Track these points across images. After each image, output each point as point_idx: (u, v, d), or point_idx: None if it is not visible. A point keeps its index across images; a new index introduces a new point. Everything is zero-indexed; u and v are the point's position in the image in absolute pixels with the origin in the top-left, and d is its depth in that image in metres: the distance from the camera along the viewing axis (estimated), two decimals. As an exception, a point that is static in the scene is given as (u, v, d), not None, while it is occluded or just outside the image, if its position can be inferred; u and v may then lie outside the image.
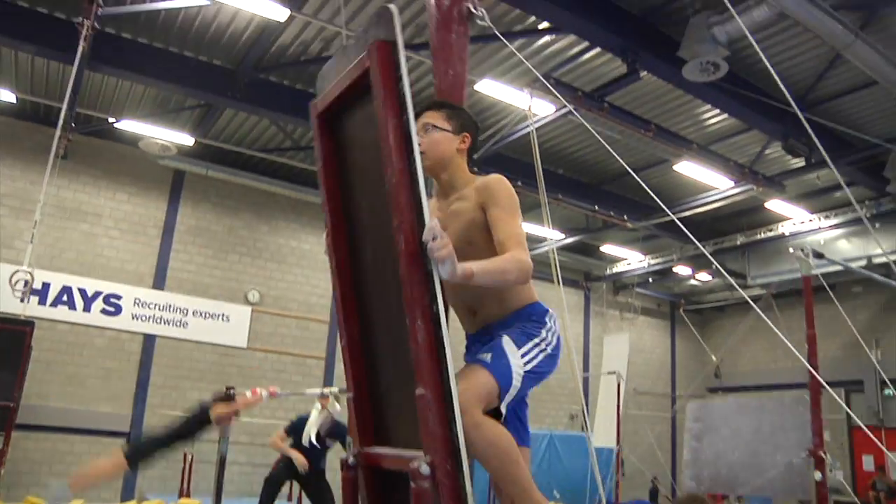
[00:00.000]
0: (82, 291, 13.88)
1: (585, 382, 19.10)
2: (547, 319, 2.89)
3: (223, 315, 14.81)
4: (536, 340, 2.79)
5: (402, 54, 2.43)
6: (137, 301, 14.31)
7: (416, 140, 2.40)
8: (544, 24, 9.93)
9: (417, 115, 2.78)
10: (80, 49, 8.54)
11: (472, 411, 2.44)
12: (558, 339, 2.90)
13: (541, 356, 2.79)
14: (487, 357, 2.66)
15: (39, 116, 14.07)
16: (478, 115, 12.10)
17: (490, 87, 11.05)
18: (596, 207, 14.92)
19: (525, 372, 2.70)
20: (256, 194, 15.80)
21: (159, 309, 14.41)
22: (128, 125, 13.21)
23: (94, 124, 13.61)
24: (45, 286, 13.21)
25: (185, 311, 14.56)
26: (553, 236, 15.58)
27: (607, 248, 19.21)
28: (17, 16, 10.50)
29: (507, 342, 2.72)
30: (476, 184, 2.85)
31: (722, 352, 20.37)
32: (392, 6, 2.49)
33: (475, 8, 2.96)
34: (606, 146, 5.62)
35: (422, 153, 2.59)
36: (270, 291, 15.69)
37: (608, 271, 20.53)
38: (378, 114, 2.46)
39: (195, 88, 11.69)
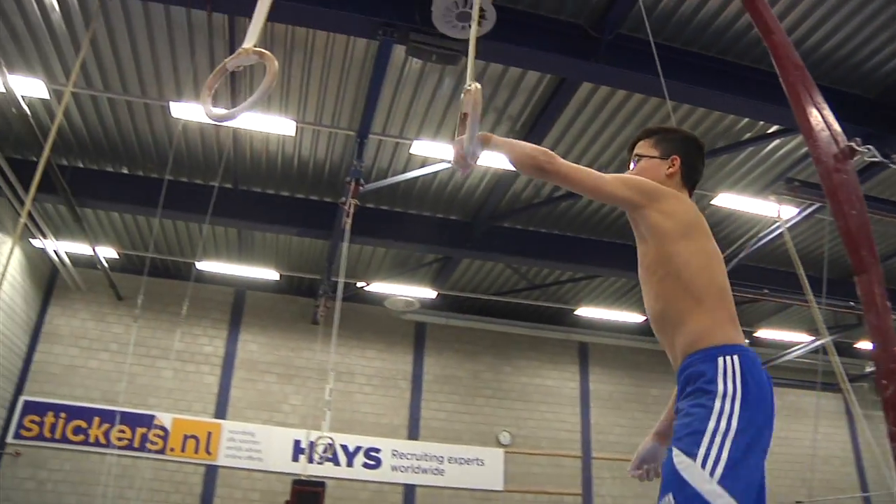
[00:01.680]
0: (344, 447, 14.73)
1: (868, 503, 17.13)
2: (719, 380, 2.15)
3: (477, 459, 15.06)
4: (711, 427, 2.06)
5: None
6: (395, 452, 14.95)
7: None
8: (774, 128, 9.78)
9: (630, 149, 2.89)
10: (346, 226, 9.48)
11: None
12: (743, 395, 2.12)
13: (728, 445, 2.03)
14: (670, 500, 2.04)
15: (296, 289, 15.60)
16: (714, 228, 11.92)
17: (728, 200, 10.91)
18: (852, 304, 13.88)
19: (721, 482, 1.97)
20: (495, 337, 16.27)
21: (416, 458, 14.94)
22: (374, 286, 14.28)
23: (346, 290, 14.80)
24: (311, 444, 14.11)
25: (441, 459, 14.97)
26: (804, 339, 14.65)
27: (864, 345, 17.63)
28: (280, 205, 11.92)
29: (678, 461, 2.05)
30: None
31: None
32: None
33: (859, 145, 2.94)
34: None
35: None
36: (520, 431, 15.77)
37: (867, 369, 18.73)
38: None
39: (434, 244, 12.54)
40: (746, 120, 9.61)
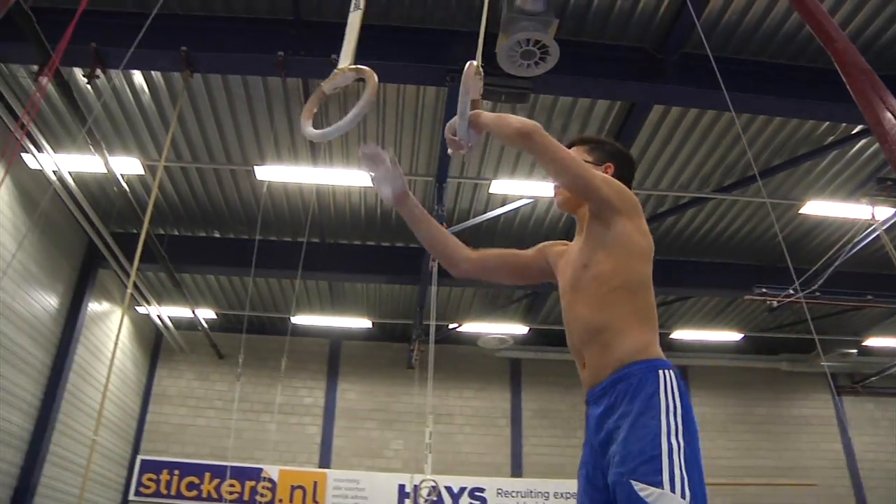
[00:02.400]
0: (449, 489, 14.75)
1: None
2: (661, 394, 2.11)
3: (583, 493, 14.81)
4: (665, 449, 2.00)
5: None
6: (500, 491, 14.86)
7: None
8: (859, 128, 9.46)
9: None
10: (433, 270, 9.66)
11: None
12: (683, 410, 2.10)
13: (683, 463, 1.99)
14: None
15: (390, 335, 15.85)
16: (805, 237, 11.61)
17: (817, 208, 10.59)
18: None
19: (692, 502, 1.94)
20: (590, 367, 16.06)
21: (521, 496, 14.81)
22: (466, 326, 14.37)
23: (439, 332, 14.96)
24: (415, 488, 14.19)
25: (546, 495, 14.80)
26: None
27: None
28: (367, 255, 12.23)
29: (646, 494, 1.96)
30: None
31: None
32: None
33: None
34: None
35: (558, 194, 2.66)
36: (624, 462, 15.45)
37: None
38: None
39: (523, 280, 12.52)
40: (827, 123, 9.33)
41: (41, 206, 9.69)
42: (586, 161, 2.59)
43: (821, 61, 8.07)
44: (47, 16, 7.29)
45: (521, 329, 14.51)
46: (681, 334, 14.93)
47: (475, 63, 2.49)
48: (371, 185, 2.05)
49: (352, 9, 2.97)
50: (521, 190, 10.21)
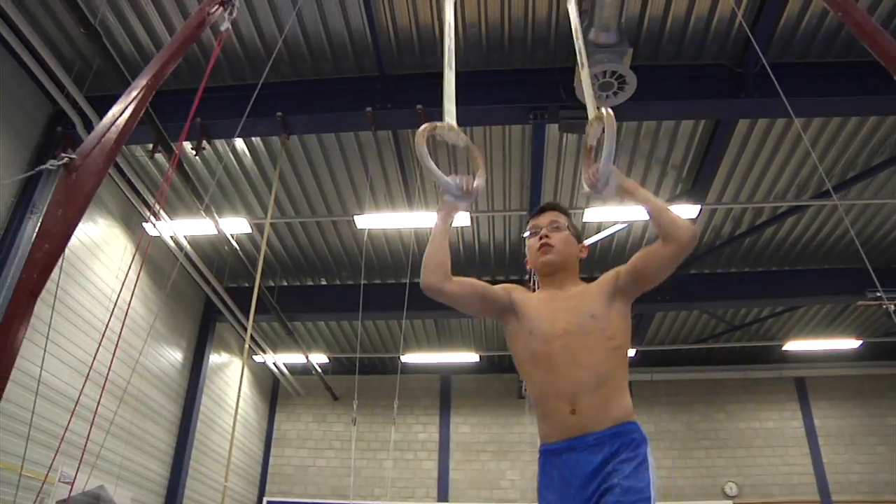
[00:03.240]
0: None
1: None
2: (649, 454, 2.43)
3: (706, 514, 14.51)
4: (652, 496, 2.33)
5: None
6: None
7: None
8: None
9: (542, 211, 2.83)
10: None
11: None
12: (652, 468, 2.42)
13: None
14: None
15: (498, 366, 16.03)
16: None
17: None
18: None
19: None
20: (704, 384, 15.77)
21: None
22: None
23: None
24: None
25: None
26: None
27: None
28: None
29: None
30: (601, 278, 2.70)
31: None
32: None
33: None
34: None
35: (551, 246, 2.67)
36: (747, 480, 15.00)
37: None
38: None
39: (625, 303, 12.52)
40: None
41: (169, 272, 10.43)
42: (572, 234, 2.77)
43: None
44: (157, 96, 7.94)
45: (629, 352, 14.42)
46: (794, 345, 14.46)
47: (611, 112, 2.64)
48: (456, 202, 2.23)
49: (446, 71, 3.22)
50: (615, 216, 10.26)
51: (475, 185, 2.67)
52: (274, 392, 16.58)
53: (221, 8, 3.42)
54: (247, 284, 12.12)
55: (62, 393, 8.54)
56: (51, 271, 2.50)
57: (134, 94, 2.90)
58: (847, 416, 15.23)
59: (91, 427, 5.10)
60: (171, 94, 8.44)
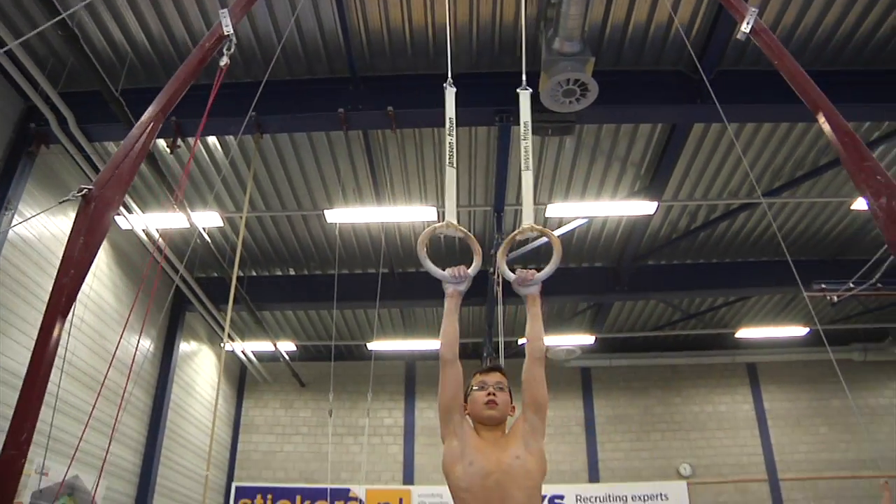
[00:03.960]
0: (530, 498, 15.19)
1: None
2: None
3: (661, 494, 15.11)
4: None
5: None
6: (579, 497, 15.27)
7: None
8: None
9: (490, 370, 3.20)
10: (497, 294, 10.17)
11: None
12: None
13: None
14: None
15: (462, 353, 16.22)
16: (859, 233, 11.74)
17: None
18: None
19: None
20: (661, 370, 16.37)
21: (600, 500, 15.19)
22: (534, 340, 14.83)
23: (508, 348, 15.44)
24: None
25: (625, 499, 15.14)
26: None
27: None
28: (436, 281, 12.74)
29: None
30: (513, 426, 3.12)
31: None
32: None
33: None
34: None
35: (496, 405, 3.02)
36: (700, 461, 15.66)
37: None
38: None
39: (585, 293, 13.03)
40: (869, 123, 9.60)
41: (140, 264, 10.59)
42: (509, 392, 3.12)
43: (857, 63, 8.40)
44: (130, 95, 8.10)
45: (588, 339, 14.89)
46: (746, 332, 15.08)
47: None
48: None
49: (447, 166, 3.68)
50: (576, 211, 10.66)
51: (468, 271, 3.17)
52: (241, 379, 16.78)
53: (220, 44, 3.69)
54: (216, 275, 12.31)
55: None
56: (76, 295, 2.77)
57: (143, 127, 3.16)
58: (794, 399, 15.97)
59: (53, 413, 5.29)
60: (147, 91, 8.62)
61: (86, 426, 4.96)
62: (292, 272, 12.98)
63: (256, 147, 8.99)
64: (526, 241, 10.99)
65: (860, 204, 10.78)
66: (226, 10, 3.73)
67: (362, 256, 12.33)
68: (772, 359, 15.93)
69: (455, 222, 3.39)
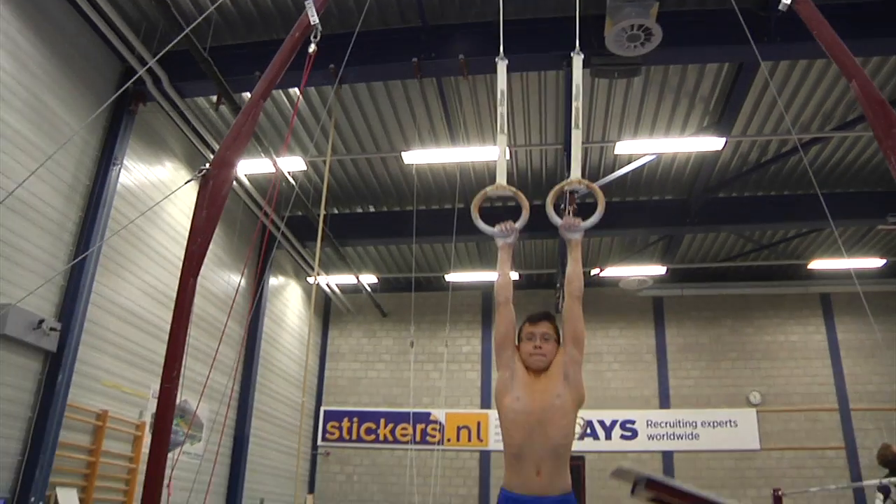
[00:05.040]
0: (601, 423, 15.87)
1: None
2: None
3: (730, 421, 15.53)
4: None
5: None
6: (650, 422, 15.81)
7: None
8: None
9: (539, 320, 3.45)
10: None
11: None
12: None
13: None
14: None
15: (535, 283, 16.91)
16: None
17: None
18: None
19: None
20: (733, 300, 16.54)
21: (670, 426, 15.70)
22: (608, 271, 15.22)
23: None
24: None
25: (695, 424, 15.61)
26: None
27: None
28: (510, 215, 13.22)
29: None
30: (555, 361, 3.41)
31: None
32: None
33: None
34: None
35: (543, 356, 3.33)
36: (771, 389, 15.92)
37: None
38: None
39: (657, 226, 13.26)
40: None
41: (231, 207, 11.38)
42: (555, 339, 3.42)
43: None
44: (216, 52, 8.70)
45: (659, 269, 15.17)
46: (819, 264, 15.05)
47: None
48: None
49: (499, 133, 4.13)
50: (645, 148, 10.87)
51: (516, 225, 3.57)
52: (326, 311, 17.79)
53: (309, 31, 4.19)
54: (300, 213, 13.05)
55: (146, 320, 9.69)
56: (203, 258, 3.38)
57: (247, 114, 3.72)
58: (868, 330, 15.83)
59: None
60: (231, 48, 9.23)
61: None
62: (372, 209, 13.65)
63: (336, 98, 9.52)
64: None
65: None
66: (310, 1, 4.21)
67: (439, 193, 12.88)
68: (846, 290, 15.84)
69: (504, 184, 3.78)
